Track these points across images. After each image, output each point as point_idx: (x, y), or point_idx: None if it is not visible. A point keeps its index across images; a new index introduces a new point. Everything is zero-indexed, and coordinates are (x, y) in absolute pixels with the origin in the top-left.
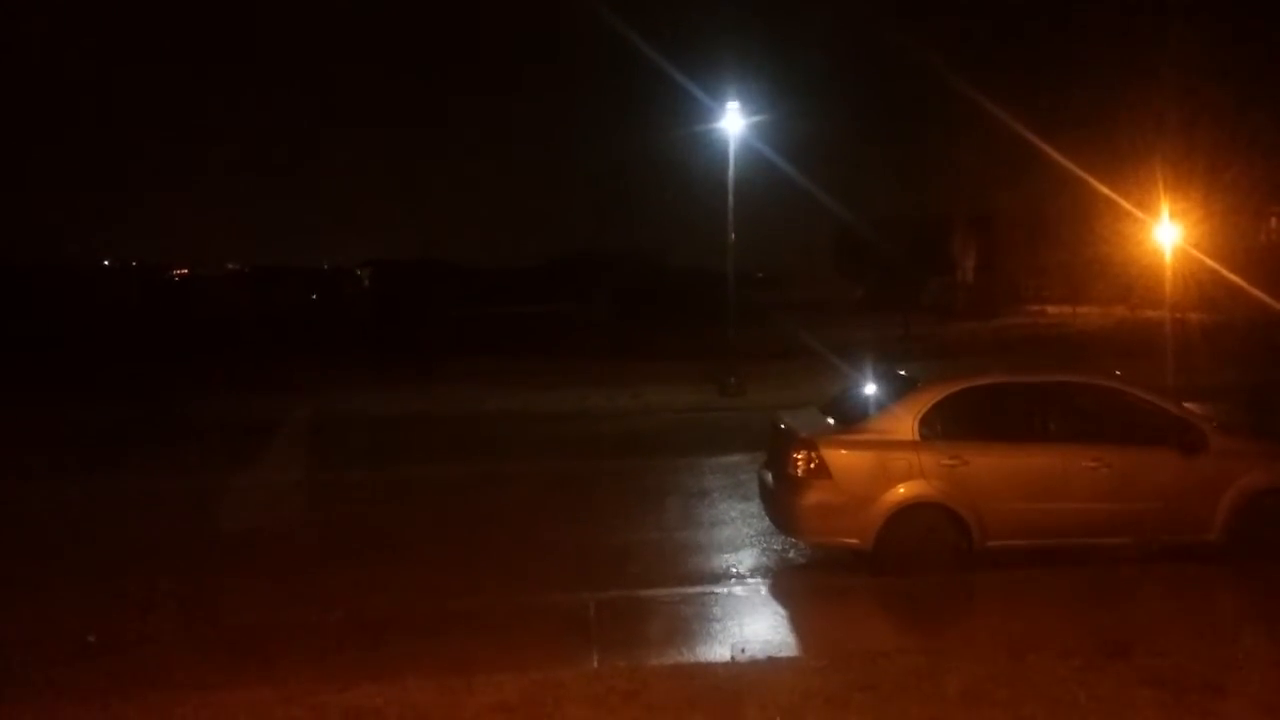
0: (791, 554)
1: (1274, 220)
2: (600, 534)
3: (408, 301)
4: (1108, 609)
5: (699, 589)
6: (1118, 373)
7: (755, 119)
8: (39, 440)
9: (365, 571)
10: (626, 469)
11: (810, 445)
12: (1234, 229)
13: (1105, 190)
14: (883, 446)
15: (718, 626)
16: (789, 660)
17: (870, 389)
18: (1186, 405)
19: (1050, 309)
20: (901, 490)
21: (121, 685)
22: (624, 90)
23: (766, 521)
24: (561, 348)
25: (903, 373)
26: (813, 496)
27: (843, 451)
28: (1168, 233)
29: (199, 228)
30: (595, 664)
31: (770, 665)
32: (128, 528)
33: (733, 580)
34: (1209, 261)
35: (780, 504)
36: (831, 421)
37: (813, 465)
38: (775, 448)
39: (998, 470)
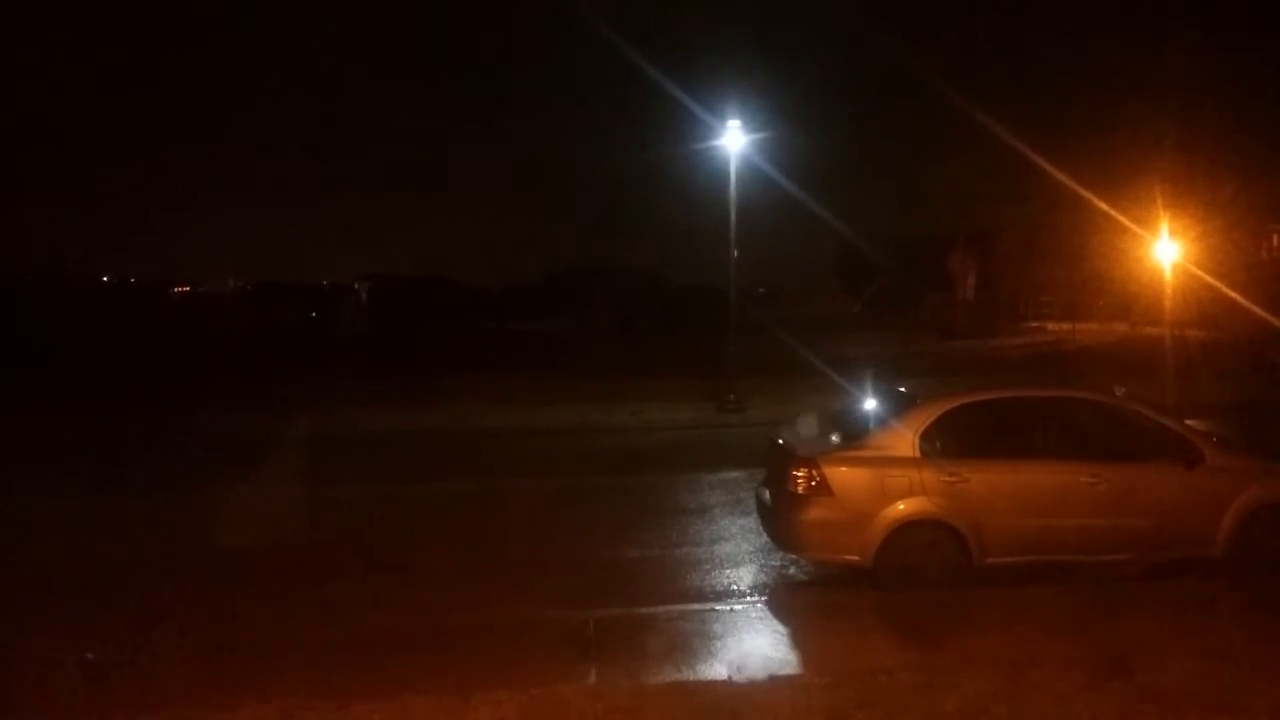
0: (791, 571)
1: (1275, 238)
2: (599, 550)
3: (405, 317)
4: (1108, 625)
5: (699, 606)
6: (1118, 388)
7: (756, 136)
8: (37, 456)
9: (364, 588)
10: (626, 485)
11: (811, 462)
12: (1233, 246)
13: (1105, 207)
14: (883, 463)
15: (717, 644)
16: (789, 678)
17: (870, 405)
18: (1187, 421)
19: (1050, 326)
20: (901, 507)
21: (120, 703)
22: (625, 107)
23: (766, 538)
24: (561, 364)
25: (902, 389)
26: (813, 513)
27: (843, 468)
28: (1167, 250)
29: (200, 244)
30: (594, 681)
31: (770, 683)
32: (126, 544)
33: (732, 597)
34: (1208, 278)
35: (780, 521)
36: (832, 438)
37: (813, 482)
38: (775, 464)
39: (998, 487)
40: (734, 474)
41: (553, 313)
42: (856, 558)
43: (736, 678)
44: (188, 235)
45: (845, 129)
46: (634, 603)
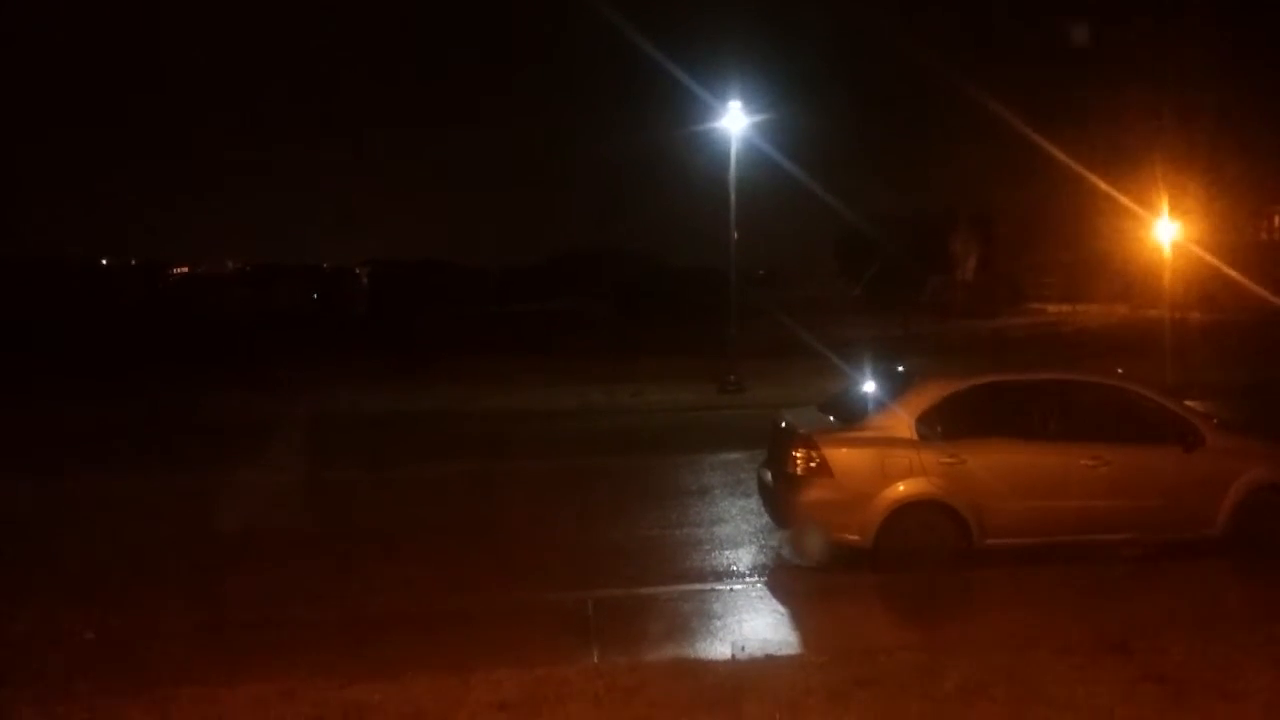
0: (790, 551)
1: (1276, 218)
2: (600, 531)
3: (406, 300)
4: (1108, 606)
5: (699, 586)
6: (1120, 370)
7: (757, 118)
8: (37, 438)
9: (365, 569)
10: (626, 466)
11: (810, 443)
12: (1234, 227)
13: (1106, 188)
14: (883, 444)
15: (718, 624)
16: (789, 657)
17: (870, 387)
18: (1187, 403)
19: (1051, 307)
20: (901, 488)
21: (120, 682)
22: (625, 89)
23: (766, 519)
24: (561, 346)
25: (902, 370)
26: (813, 494)
27: (843, 449)
28: (1168, 231)
29: (199, 226)
30: (595, 661)
31: (770, 662)
32: (126, 525)
33: (733, 577)
34: (1210, 259)
35: (780, 501)
36: (832, 419)
37: (813, 463)
38: (775, 445)
39: (997, 468)
40: (734, 455)
41: (554, 296)
42: (857, 538)
43: (738, 657)
44: (187, 218)
45: (846, 110)
46: (634, 583)
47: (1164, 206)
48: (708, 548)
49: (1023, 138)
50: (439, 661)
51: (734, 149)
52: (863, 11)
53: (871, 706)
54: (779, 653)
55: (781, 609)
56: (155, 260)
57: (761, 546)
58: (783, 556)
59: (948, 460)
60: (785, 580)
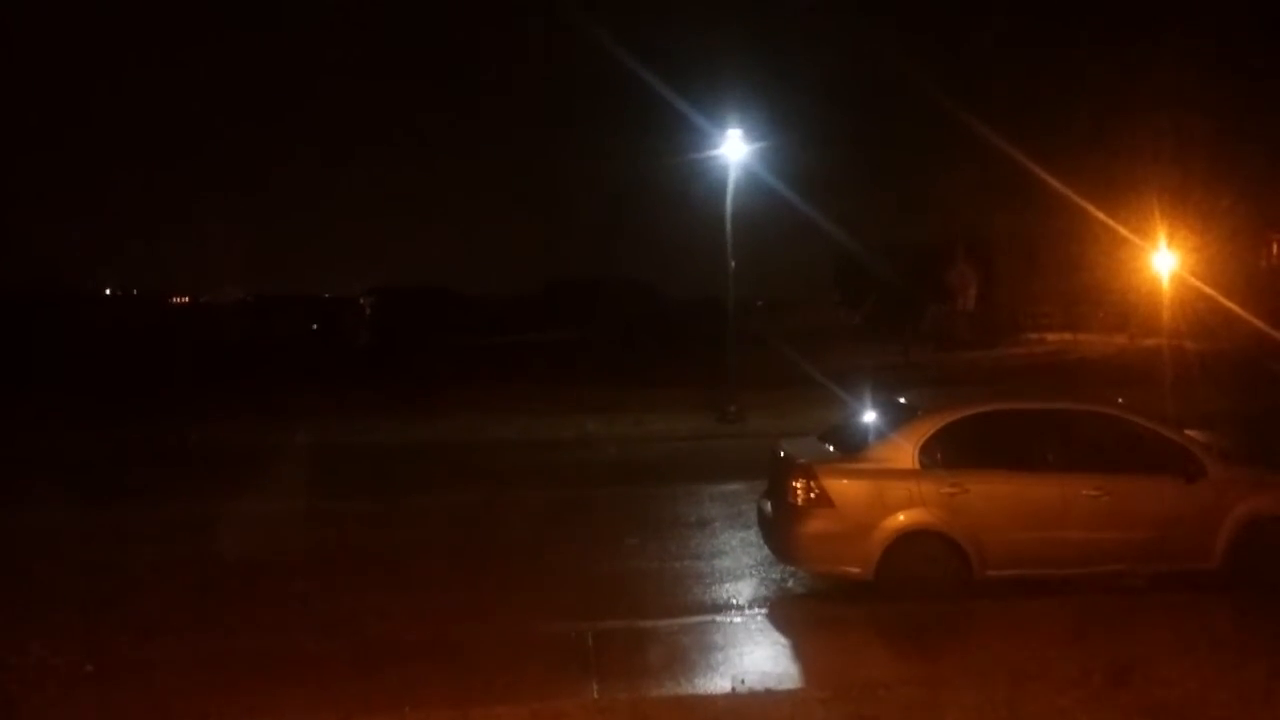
0: (791, 583)
1: (1274, 246)
2: (600, 562)
3: (409, 330)
4: (1108, 638)
5: (699, 618)
6: (1120, 400)
7: (755, 146)
8: (39, 466)
9: (364, 600)
10: (626, 497)
11: (810, 473)
12: (1232, 256)
13: (1104, 218)
14: (882, 475)
15: (718, 656)
16: (789, 691)
17: (870, 417)
18: (1188, 433)
19: (1050, 337)
20: (901, 518)
21: (119, 715)
22: (624, 117)
23: (766, 550)
24: (561, 375)
25: (902, 401)
26: (813, 525)
27: (843, 480)
28: (1166, 260)
29: (201, 256)
30: (595, 694)
31: (770, 696)
32: (126, 555)
33: (733, 610)
34: (1207, 289)
35: (780, 532)
36: (831, 450)
37: (813, 494)
38: (775, 476)
39: (998, 498)
40: (734, 486)
41: (553, 324)
42: (857, 570)
43: (738, 691)
44: (189, 248)
45: (845, 138)
46: (634, 615)
47: (1162, 236)
48: (708, 579)
49: (1021, 167)
50: (438, 694)
51: (731, 177)
52: (862, 40)
53: None
54: (779, 686)
55: (782, 641)
56: (156, 290)
57: (762, 578)
58: (783, 588)
59: (948, 491)
60: (785, 612)
